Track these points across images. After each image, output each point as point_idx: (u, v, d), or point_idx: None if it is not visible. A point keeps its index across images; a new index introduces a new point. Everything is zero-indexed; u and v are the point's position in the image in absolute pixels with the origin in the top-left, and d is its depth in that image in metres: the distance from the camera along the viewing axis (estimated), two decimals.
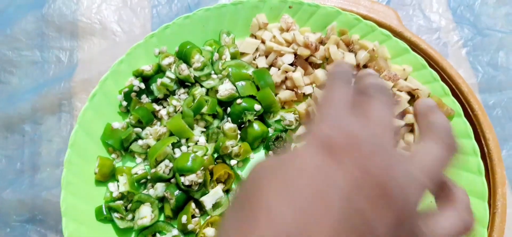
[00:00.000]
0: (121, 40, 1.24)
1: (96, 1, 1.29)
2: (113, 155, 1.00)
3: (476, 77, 1.18)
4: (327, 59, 1.10)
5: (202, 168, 0.92)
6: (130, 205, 0.92)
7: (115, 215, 0.91)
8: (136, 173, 0.95)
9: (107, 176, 0.96)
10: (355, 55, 1.10)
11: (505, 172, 0.95)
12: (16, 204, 1.00)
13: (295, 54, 1.10)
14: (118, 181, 0.95)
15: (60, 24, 1.23)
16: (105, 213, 0.91)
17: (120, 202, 0.92)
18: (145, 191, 0.94)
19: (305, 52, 1.08)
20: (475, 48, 1.21)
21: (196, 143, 0.99)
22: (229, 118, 1.03)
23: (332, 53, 1.09)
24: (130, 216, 0.91)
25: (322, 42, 1.14)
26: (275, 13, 1.19)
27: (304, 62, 1.10)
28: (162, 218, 0.94)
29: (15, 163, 1.06)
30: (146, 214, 0.90)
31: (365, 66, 1.08)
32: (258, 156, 1.04)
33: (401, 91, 1.03)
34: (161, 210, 0.94)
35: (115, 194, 0.93)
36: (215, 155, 1.01)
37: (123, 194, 0.93)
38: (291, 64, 1.10)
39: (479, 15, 1.27)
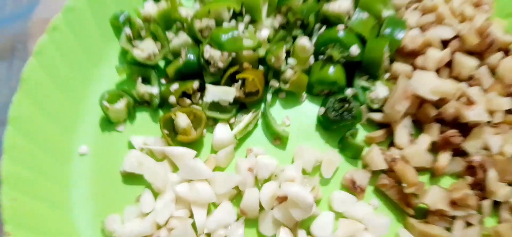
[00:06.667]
0: None
1: None
2: None
3: None
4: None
5: (233, 54, 0.67)
6: (145, 33, 0.74)
7: (127, 30, 0.73)
8: (181, 8, 0.75)
9: None
10: None
11: None
12: None
13: (457, 36, 0.71)
14: (159, 2, 0.76)
15: None
16: (121, 20, 0.74)
17: (141, 24, 0.74)
18: (168, 32, 0.74)
19: (471, 39, 0.70)
20: None
21: (255, 31, 0.72)
22: (315, 39, 0.73)
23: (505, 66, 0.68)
24: (136, 42, 0.73)
25: (507, 50, 0.72)
26: None
27: (460, 51, 0.71)
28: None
29: None
30: (146, 48, 0.71)
31: None
32: (310, 105, 0.74)
33: None
34: (167, 65, 0.72)
35: (143, 13, 0.75)
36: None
37: (149, 18, 0.74)
38: (445, 44, 0.72)
39: None
